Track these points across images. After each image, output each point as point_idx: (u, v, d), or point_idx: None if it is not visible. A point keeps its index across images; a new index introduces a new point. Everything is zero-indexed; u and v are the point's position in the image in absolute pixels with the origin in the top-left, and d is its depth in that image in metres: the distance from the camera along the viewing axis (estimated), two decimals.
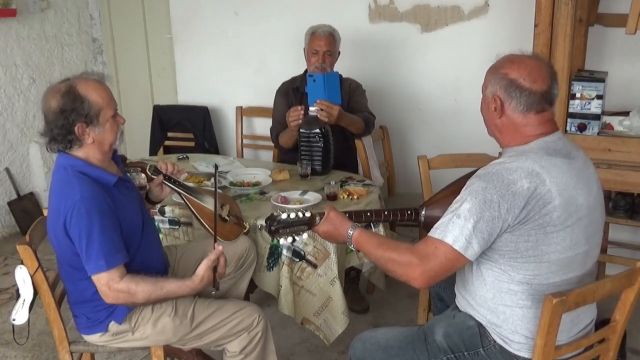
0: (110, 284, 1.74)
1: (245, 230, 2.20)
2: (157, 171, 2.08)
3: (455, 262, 1.45)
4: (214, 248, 1.86)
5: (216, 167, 2.11)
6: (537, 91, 1.50)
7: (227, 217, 2.13)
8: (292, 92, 3.15)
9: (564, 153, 1.49)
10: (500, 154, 1.61)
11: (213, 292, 1.88)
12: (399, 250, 1.52)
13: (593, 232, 1.52)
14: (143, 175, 2.09)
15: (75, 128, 1.75)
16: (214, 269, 1.83)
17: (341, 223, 1.67)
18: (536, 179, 1.41)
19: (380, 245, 1.57)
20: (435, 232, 1.47)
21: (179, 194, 2.12)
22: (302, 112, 2.78)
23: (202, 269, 1.82)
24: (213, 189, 2.05)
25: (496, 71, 1.54)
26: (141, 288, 1.77)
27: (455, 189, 1.69)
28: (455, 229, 1.43)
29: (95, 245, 1.71)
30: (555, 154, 1.48)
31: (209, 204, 2.12)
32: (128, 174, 2.03)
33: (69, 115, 1.73)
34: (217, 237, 1.94)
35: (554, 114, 1.57)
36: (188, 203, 2.11)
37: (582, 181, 1.48)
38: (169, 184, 2.09)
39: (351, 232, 1.64)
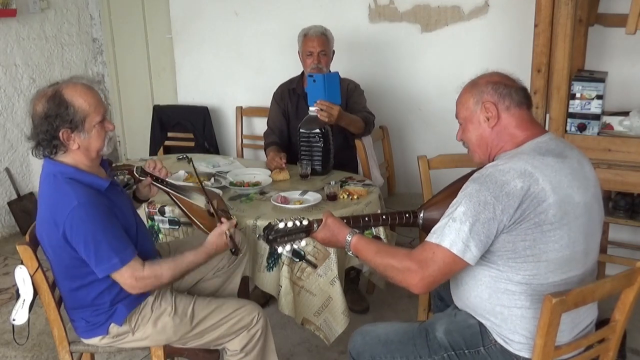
0: (136, 274, 1.77)
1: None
2: (144, 172, 2.09)
3: (453, 266, 1.45)
4: (220, 221, 1.93)
5: (189, 159, 2.14)
6: (520, 87, 1.59)
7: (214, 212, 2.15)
8: (289, 93, 3.16)
9: (556, 152, 1.51)
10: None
11: (240, 254, 1.99)
12: (398, 256, 1.52)
13: (592, 231, 1.53)
14: (130, 177, 2.09)
15: (60, 134, 1.73)
16: (231, 237, 1.90)
17: (339, 229, 1.67)
18: (529, 179, 1.42)
19: (379, 252, 1.57)
20: (432, 237, 1.47)
21: (168, 193, 2.12)
22: (283, 162, 2.86)
23: (214, 234, 1.91)
24: (203, 187, 2.09)
25: (475, 86, 1.60)
26: (165, 268, 1.83)
27: (453, 190, 1.69)
28: (451, 233, 1.43)
29: (104, 246, 1.72)
30: (547, 153, 1.49)
31: (197, 201, 2.13)
32: (115, 178, 2.03)
33: (53, 120, 1.71)
34: (207, 232, 2.00)
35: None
36: (177, 202, 2.12)
37: (577, 180, 1.49)
38: (157, 185, 2.10)
39: (349, 239, 1.65)
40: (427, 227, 1.76)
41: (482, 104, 1.56)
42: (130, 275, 1.77)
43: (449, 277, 1.50)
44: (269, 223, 1.71)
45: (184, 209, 2.11)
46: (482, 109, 1.57)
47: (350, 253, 1.67)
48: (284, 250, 1.70)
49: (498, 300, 1.52)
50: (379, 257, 1.56)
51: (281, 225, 1.68)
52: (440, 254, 1.44)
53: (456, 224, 1.43)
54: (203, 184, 2.13)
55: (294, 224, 1.69)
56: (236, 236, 1.97)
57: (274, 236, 1.68)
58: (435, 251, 1.45)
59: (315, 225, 1.70)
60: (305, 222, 1.70)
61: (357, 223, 1.77)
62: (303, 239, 1.72)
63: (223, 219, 1.93)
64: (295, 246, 1.72)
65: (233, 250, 1.95)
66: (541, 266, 1.46)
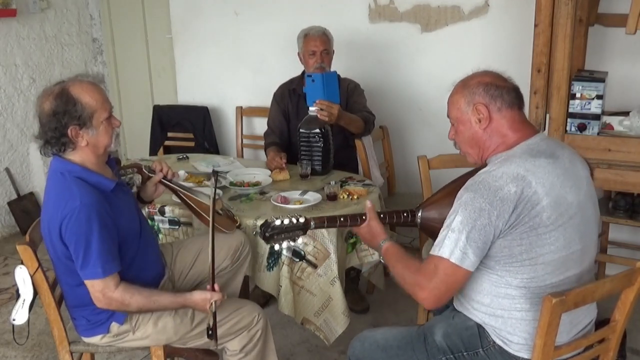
0: (105, 291, 1.76)
1: (236, 225, 2.23)
2: (152, 171, 2.08)
3: (455, 276, 1.46)
4: (212, 288, 1.83)
5: (214, 172, 2.11)
6: (512, 87, 1.57)
7: (220, 211, 2.15)
8: (289, 94, 3.16)
9: (548, 153, 1.51)
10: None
11: (215, 347, 1.88)
12: (410, 269, 1.55)
13: (587, 230, 1.53)
14: (139, 175, 2.09)
15: (68, 131, 1.73)
16: (214, 315, 1.79)
17: (378, 232, 1.73)
18: (522, 182, 1.42)
19: (399, 261, 1.61)
20: (434, 250, 1.49)
21: (176, 191, 2.12)
22: (283, 161, 2.85)
23: (200, 296, 1.83)
24: (207, 188, 2.07)
25: (466, 87, 1.57)
26: (135, 300, 1.79)
27: (451, 190, 1.69)
28: (450, 243, 1.45)
29: (94, 252, 1.71)
30: (539, 155, 1.49)
31: (205, 199, 2.13)
32: (123, 177, 2.03)
33: (61, 117, 1.72)
34: (220, 227, 1.99)
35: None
36: (186, 199, 2.12)
37: (569, 179, 1.49)
38: (165, 182, 2.09)
39: (382, 244, 1.69)
40: (425, 226, 1.78)
41: (473, 106, 1.55)
42: (99, 290, 1.76)
43: (456, 287, 1.50)
44: (266, 220, 1.73)
45: (193, 205, 2.11)
46: (474, 110, 1.55)
47: (381, 259, 1.71)
48: (281, 247, 1.72)
49: (499, 305, 1.52)
50: (399, 267, 1.60)
51: (277, 222, 1.70)
52: (441, 265, 1.46)
53: (455, 234, 1.44)
54: (203, 184, 2.13)
55: (290, 221, 1.70)
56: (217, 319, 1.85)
57: (270, 233, 1.69)
58: (436, 263, 1.47)
59: (312, 223, 1.72)
60: (301, 220, 1.72)
61: (354, 222, 1.78)
62: (300, 237, 1.73)
63: (216, 286, 1.85)
64: (292, 243, 1.74)
65: (210, 331, 1.78)
66: (538, 269, 1.46)
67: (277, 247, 1.71)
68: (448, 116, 1.65)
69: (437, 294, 1.48)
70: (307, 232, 1.76)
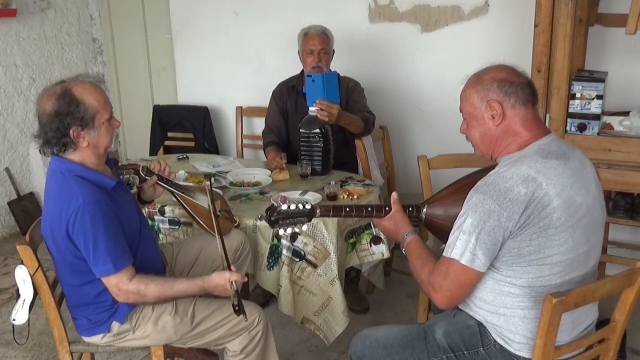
0: (120, 286, 1.76)
1: (235, 224, 2.22)
2: (149, 172, 2.08)
3: (465, 277, 1.47)
4: (229, 269, 1.83)
5: (210, 181, 2.12)
6: (526, 83, 1.55)
7: (219, 213, 2.15)
8: (288, 91, 3.16)
9: (558, 154, 1.50)
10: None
11: (246, 321, 1.88)
12: (427, 268, 1.56)
13: (593, 231, 1.52)
14: (135, 176, 2.09)
15: (70, 131, 1.73)
16: (237, 293, 1.79)
17: (402, 224, 1.73)
18: (532, 184, 1.42)
19: (419, 258, 1.62)
20: (446, 252, 1.50)
21: (173, 193, 2.13)
22: (284, 161, 2.85)
23: (220, 276, 1.82)
24: (212, 189, 2.08)
25: (480, 82, 1.56)
26: (151, 289, 1.79)
27: (458, 188, 1.69)
28: (461, 245, 1.46)
29: (102, 249, 1.72)
30: (550, 156, 1.49)
31: (201, 201, 2.14)
32: (121, 177, 2.03)
33: (64, 118, 1.72)
34: (212, 233, 1.99)
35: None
36: (182, 202, 2.12)
37: (579, 181, 1.49)
38: (162, 184, 2.10)
39: (407, 236, 1.70)
40: (429, 222, 1.77)
41: (487, 102, 1.53)
42: (114, 285, 1.77)
43: (467, 289, 1.51)
44: (272, 204, 1.72)
45: (188, 209, 2.12)
46: (487, 107, 1.54)
47: (403, 250, 1.71)
48: (285, 233, 1.71)
49: (501, 303, 1.52)
50: (418, 264, 1.61)
51: (284, 207, 1.69)
52: (452, 267, 1.47)
53: (465, 235, 1.45)
54: (205, 185, 2.13)
55: (297, 207, 1.70)
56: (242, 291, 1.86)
57: (275, 217, 1.69)
58: (447, 265, 1.48)
59: (318, 211, 1.72)
60: (308, 206, 1.71)
61: (359, 212, 1.78)
62: (305, 224, 1.73)
63: (233, 267, 1.84)
64: (296, 229, 1.73)
65: (237, 308, 1.76)
66: (545, 269, 1.46)
67: (281, 232, 1.71)
68: (460, 110, 1.62)
69: (450, 296, 1.50)
70: (310, 227, 1.75)
